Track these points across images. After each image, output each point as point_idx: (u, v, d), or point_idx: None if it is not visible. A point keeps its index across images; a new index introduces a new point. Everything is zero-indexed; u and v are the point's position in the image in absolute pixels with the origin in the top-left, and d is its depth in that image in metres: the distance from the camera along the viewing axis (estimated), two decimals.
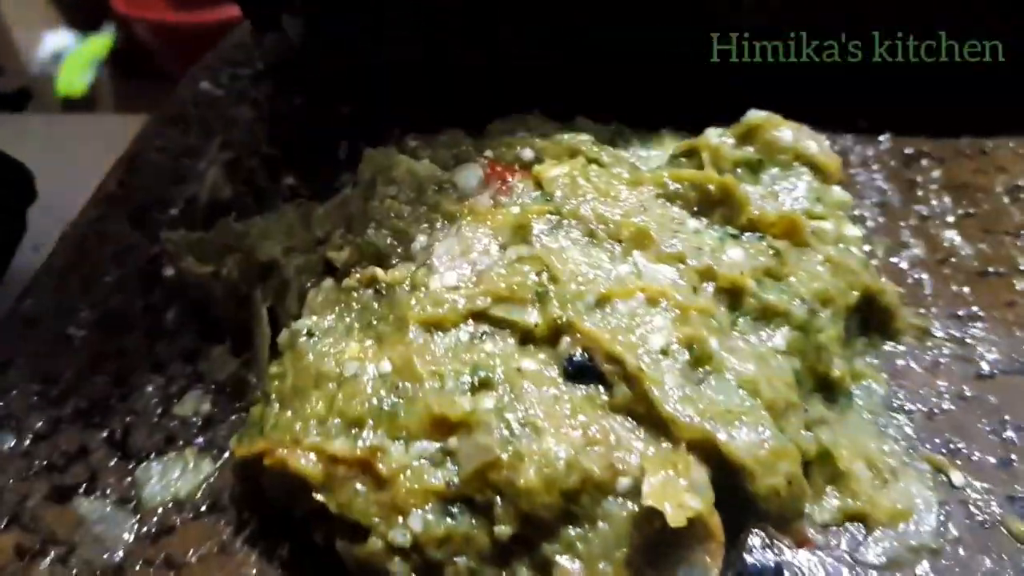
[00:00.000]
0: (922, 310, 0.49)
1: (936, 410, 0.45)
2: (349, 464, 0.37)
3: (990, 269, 0.52)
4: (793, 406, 0.40)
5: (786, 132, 0.48)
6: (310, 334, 0.40)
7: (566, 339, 0.39)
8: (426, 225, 0.44)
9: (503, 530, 0.35)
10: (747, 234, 0.44)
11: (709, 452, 0.36)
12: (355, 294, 0.42)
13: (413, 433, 0.37)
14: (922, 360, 0.47)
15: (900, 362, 0.47)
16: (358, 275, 0.42)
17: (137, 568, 0.41)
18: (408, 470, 0.36)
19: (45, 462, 0.44)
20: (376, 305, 0.41)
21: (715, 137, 0.47)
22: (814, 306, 0.42)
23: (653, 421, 0.37)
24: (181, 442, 0.45)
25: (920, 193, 0.56)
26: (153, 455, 0.44)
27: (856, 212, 0.55)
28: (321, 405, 0.39)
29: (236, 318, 0.45)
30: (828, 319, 0.43)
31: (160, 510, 0.43)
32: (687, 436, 0.36)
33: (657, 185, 0.45)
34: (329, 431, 0.38)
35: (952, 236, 0.53)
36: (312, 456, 0.37)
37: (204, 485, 0.43)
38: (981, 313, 0.49)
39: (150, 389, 0.46)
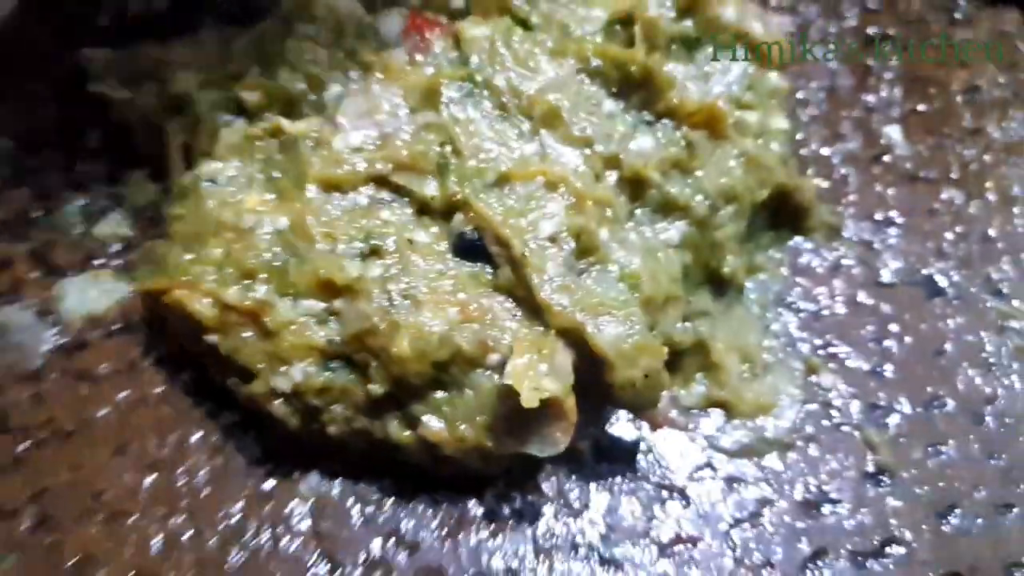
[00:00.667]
0: (839, 208, 0.50)
1: (824, 311, 0.46)
2: (240, 313, 0.39)
3: (921, 174, 0.51)
4: (674, 299, 0.41)
5: (729, 9, 0.46)
6: (212, 180, 0.41)
7: (459, 215, 0.39)
8: (340, 74, 0.43)
9: (375, 388, 0.38)
10: (663, 121, 0.43)
11: (576, 340, 0.38)
12: (260, 143, 0.42)
13: (301, 291, 0.39)
14: (825, 260, 0.48)
15: (803, 259, 0.48)
16: (264, 125, 0.42)
17: (52, 377, 0.44)
18: (293, 325, 0.38)
19: None
20: (279, 157, 0.41)
21: (654, 7, 0.45)
22: (717, 203, 0.43)
23: (530, 306, 0.38)
24: (99, 262, 0.47)
25: (871, 81, 0.55)
26: (72, 272, 0.46)
27: (800, 95, 0.54)
28: (219, 252, 0.40)
29: (153, 147, 0.45)
30: (729, 216, 0.43)
31: (78, 325, 0.45)
32: (557, 324, 0.38)
33: (580, 59, 0.43)
34: (225, 279, 0.39)
35: (892, 132, 0.53)
36: (207, 300, 0.39)
37: (118, 305, 0.46)
38: (898, 220, 0.49)
39: (71, 208, 0.47)
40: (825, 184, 0.50)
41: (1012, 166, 0.51)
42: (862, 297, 0.47)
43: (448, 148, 0.40)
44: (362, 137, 0.41)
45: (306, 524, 0.39)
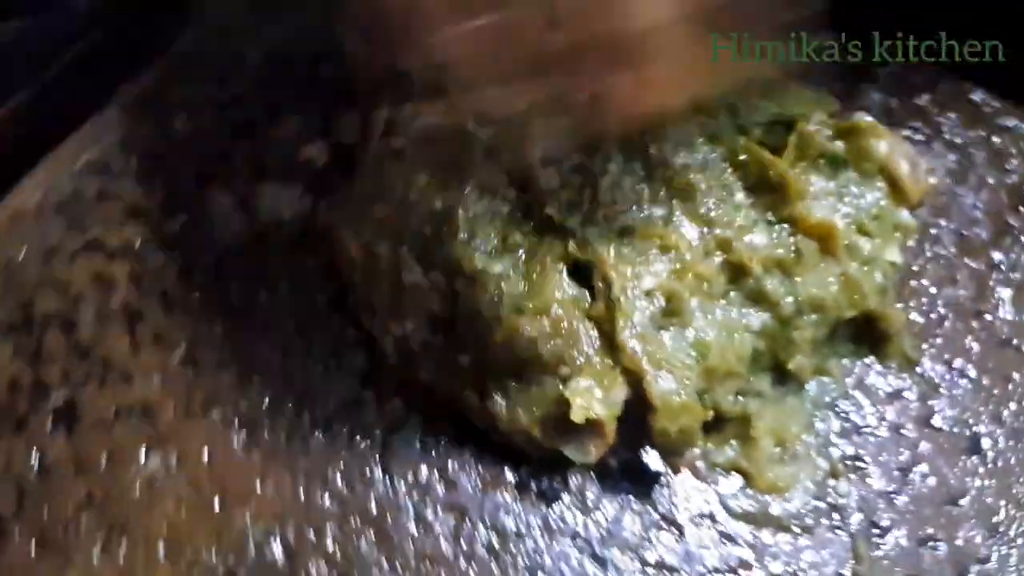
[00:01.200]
0: (923, 345, 0.54)
1: (867, 428, 0.51)
2: (380, 265, 0.49)
3: (1014, 342, 0.55)
4: (734, 375, 0.48)
5: (882, 144, 0.51)
6: (398, 152, 0.51)
7: (573, 242, 0.47)
8: None
9: (464, 359, 0.47)
10: (782, 225, 0.49)
11: (635, 382, 0.45)
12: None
13: (433, 265, 0.48)
14: (889, 385, 0.53)
15: (870, 377, 0.53)
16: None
17: (229, 259, 0.55)
18: (419, 290, 0.48)
19: None
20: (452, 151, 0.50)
21: (815, 122, 0.51)
22: (803, 308, 0.48)
23: (609, 341, 0.46)
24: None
25: (1007, 240, 0.58)
26: (274, 179, 0.57)
27: (933, 230, 0.57)
28: (383, 213, 0.50)
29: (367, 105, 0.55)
30: (812, 323, 0.49)
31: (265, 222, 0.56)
32: (624, 363, 0.45)
33: (731, 149, 0.50)
34: (379, 236, 0.49)
35: (1004, 294, 0.56)
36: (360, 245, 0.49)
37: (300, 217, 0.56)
38: (972, 374, 0.53)
39: (289, 125, 0.58)
40: (920, 320, 0.54)
41: None
42: (907, 430, 0.51)
43: (588, 190, 0.48)
44: None
45: (377, 434, 0.50)
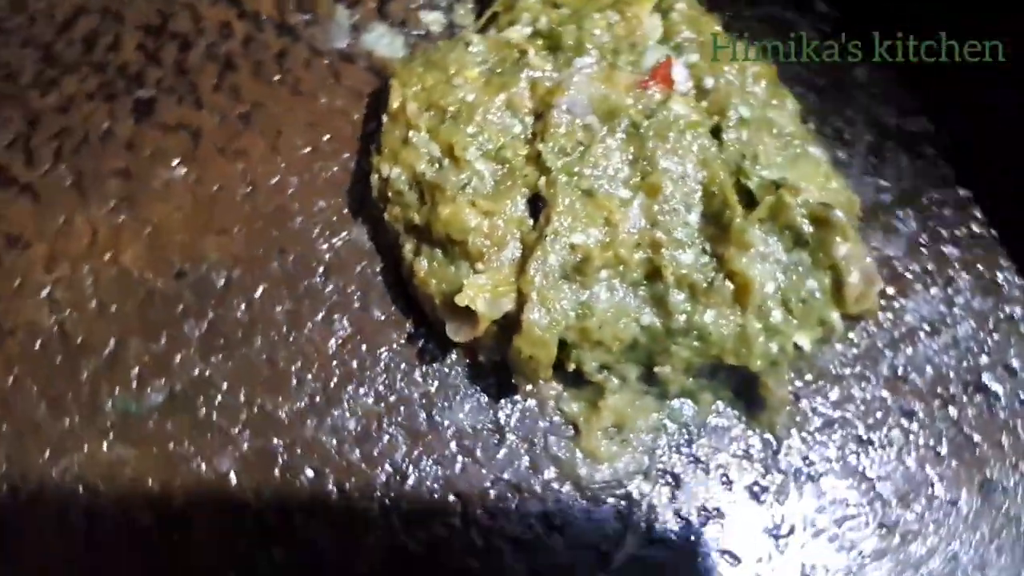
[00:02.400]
0: (794, 436, 0.59)
1: (696, 462, 0.57)
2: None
3: (877, 487, 0.58)
4: (603, 347, 0.55)
5: (843, 247, 0.55)
6: (467, 44, 0.60)
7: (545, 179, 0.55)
8: (588, 45, 0.59)
9: (416, 216, 0.56)
10: (713, 258, 0.55)
11: (521, 306, 0.53)
12: (501, 53, 0.60)
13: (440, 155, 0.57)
14: (742, 445, 0.58)
15: (732, 430, 0.58)
16: (513, 36, 0.59)
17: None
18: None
19: None
20: (505, 65, 0.59)
21: (800, 198, 0.55)
22: (690, 330, 0.54)
23: (523, 264, 0.54)
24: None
25: (933, 407, 0.61)
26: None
27: (874, 350, 0.61)
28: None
29: None
30: (691, 346, 0.55)
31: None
32: (520, 284, 0.53)
33: (711, 175, 0.55)
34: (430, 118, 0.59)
35: (896, 441, 0.59)
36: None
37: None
38: (820, 483, 0.58)
39: None
40: (809, 414, 0.59)
41: None
42: (726, 485, 0.57)
43: (581, 148, 0.55)
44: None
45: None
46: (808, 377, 0.60)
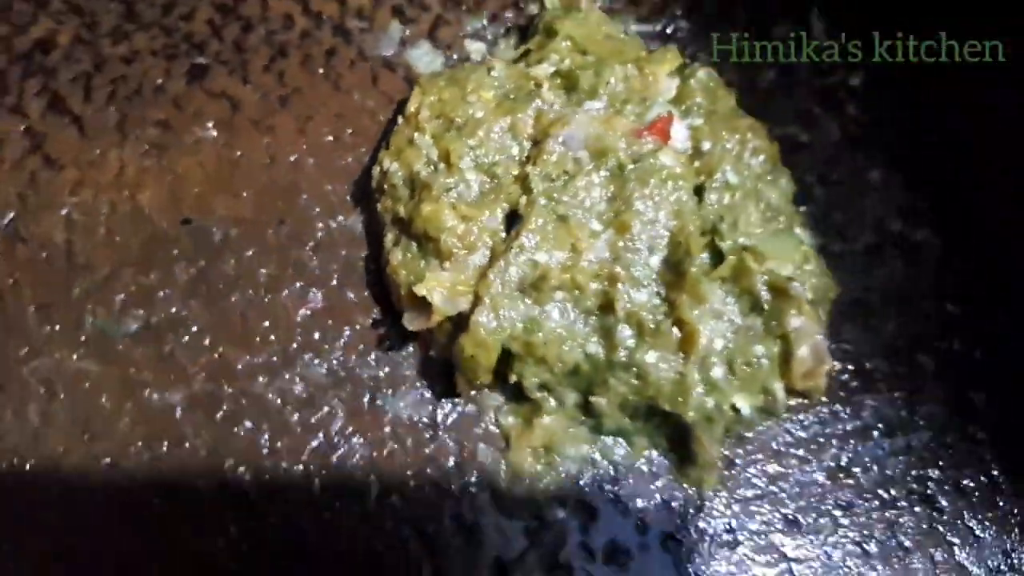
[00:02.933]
0: (720, 499, 0.59)
1: (615, 501, 0.58)
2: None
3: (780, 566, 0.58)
4: (543, 366, 0.57)
5: (796, 320, 0.56)
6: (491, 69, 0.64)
7: (525, 198, 0.58)
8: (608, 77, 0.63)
9: (401, 209, 0.60)
10: (666, 301, 0.56)
11: (474, 307, 0.56)
12: (521, 83, 0.63)
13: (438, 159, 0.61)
14: (663, 494, 0.59)
15: (658, 479, 0.59)
16: (537, 72, 0.63)
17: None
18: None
19: None
20: (515, 95, 0.63)
21: (763, 267, 0.57)
22: (630, 367, 0.56)
23: (484, 270, 0.57)
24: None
25: (851, 514, 0.60)
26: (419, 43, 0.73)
27: (809, 433, 0.61)
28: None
29: None
30: (628, 384, 0.56)
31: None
32: (477, 288, 0.56)
33: (680, 225, 0.58)
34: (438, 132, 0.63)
35: (809, 533, 0.59)
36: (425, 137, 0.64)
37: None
38: (736, 551, 0.58)
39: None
40: (743, 485, 0.59)
41: None
42: (636, 533, 0.58)
43: (566, 176, 0.58)
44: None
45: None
46: (749, 447, 0.60)
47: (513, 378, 0.57)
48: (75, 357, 0.60)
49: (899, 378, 0.64)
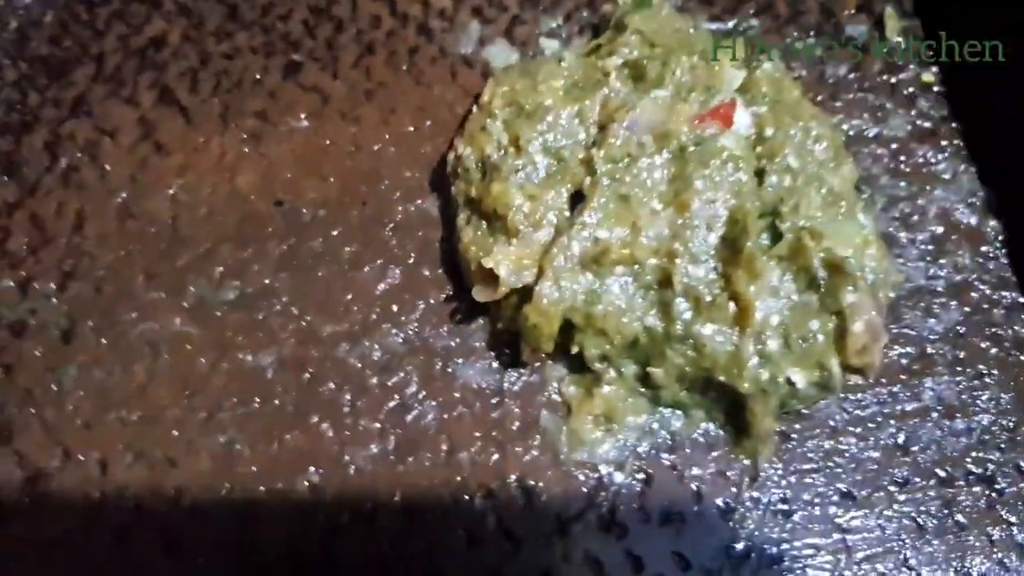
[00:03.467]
0: (774, 469, 0.61)
1: (671, 469, 0.61)
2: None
3: (831, 529, 0.59)
4: (604, 337, 0.60)
5: (851, 296, 0.58)
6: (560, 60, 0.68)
7: (589, 179, 0.62)
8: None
9: (473, 191, 0.64)
10: (723, 277, 0.59)
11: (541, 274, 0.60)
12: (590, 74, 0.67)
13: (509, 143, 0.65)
14: (722, 464, 0.61)
15: (715, 449, 0.61)
16: (608, 63, 0.67)
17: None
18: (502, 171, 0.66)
19: None
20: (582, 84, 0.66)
21: (820, 245, 0.59)
22: (686, 338, 0.59)
23: (549, 245, 0.61)
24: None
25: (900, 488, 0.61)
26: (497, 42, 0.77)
27: (870, 418, 0.62)
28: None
29: None
30: (685, 356, 0.59)
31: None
32: (541, 261, 0.60)
33: (740, 206, 0.60)
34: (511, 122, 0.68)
35: (854, 504, 0.60)
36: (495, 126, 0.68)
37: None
38: (785, 507, 0.59)
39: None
40: (790, 452, 0.61)
41: None
42: (694, 493, 0.60)
43: (628, 158, 0.61)
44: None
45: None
46: (806, 423, 0.62)
47: (575, 349, 0.60)
48: (178, 322, 0.65)
49: (960, 363, 0.64)
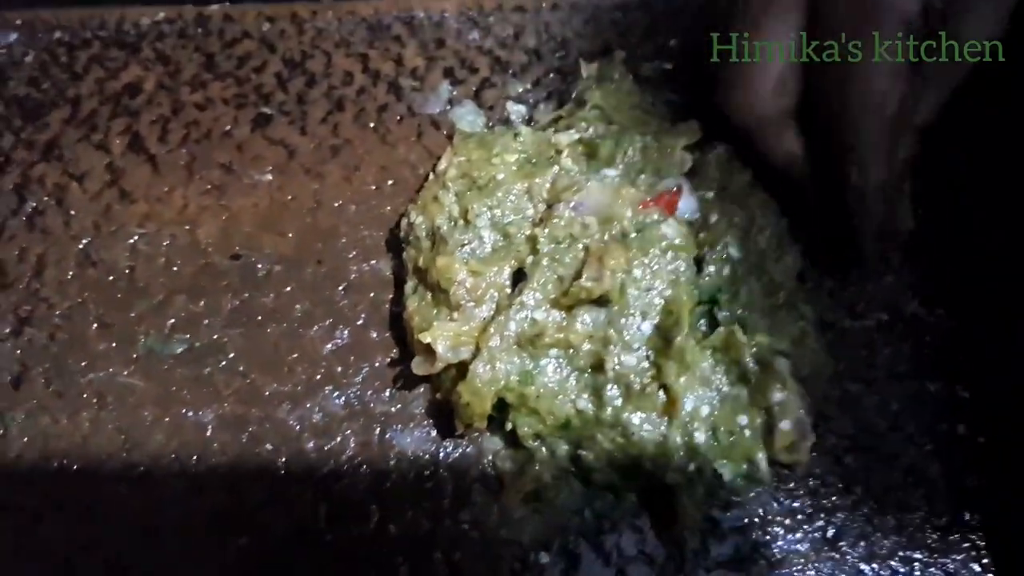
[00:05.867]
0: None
1: (585, 559, 0.61)
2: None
3: None
4: (536, 416, 0.60)
5: (779, 394, 0.58)
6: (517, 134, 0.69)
7: (531, 259, 0.63)
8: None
9: (422, 260, 0.65)
10: (655, 364, 0.59)
11: (476, 352, 0.61)
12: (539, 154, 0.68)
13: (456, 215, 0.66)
14: (637, 550, 0.61)
15: (639, 541, 0.62)
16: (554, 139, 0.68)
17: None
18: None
19: None
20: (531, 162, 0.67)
21: (755, 339, 0.59)
22: (615, 424, 0.59)
23: (487, 323, 0.61)
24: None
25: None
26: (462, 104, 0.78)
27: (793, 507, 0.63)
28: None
29: None
30: (614, 441, 0.59)
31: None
32: (478, 339, 0.60)
33: (682, 292, 0.61)
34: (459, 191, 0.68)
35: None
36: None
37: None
38: None
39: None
40: None
41: None
42: None
43: (569, 246, 0.62)
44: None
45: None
46: (735, 512, 0.62)
47: (509, 426, 0.61)
48: (125, 372, 0.67)
49: (897, 456, 0.64)
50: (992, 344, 0.67)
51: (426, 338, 0.60)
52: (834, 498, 0.63)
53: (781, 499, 0.63)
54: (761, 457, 0.59)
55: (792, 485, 0.63)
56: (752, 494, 0.62)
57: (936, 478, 0.64)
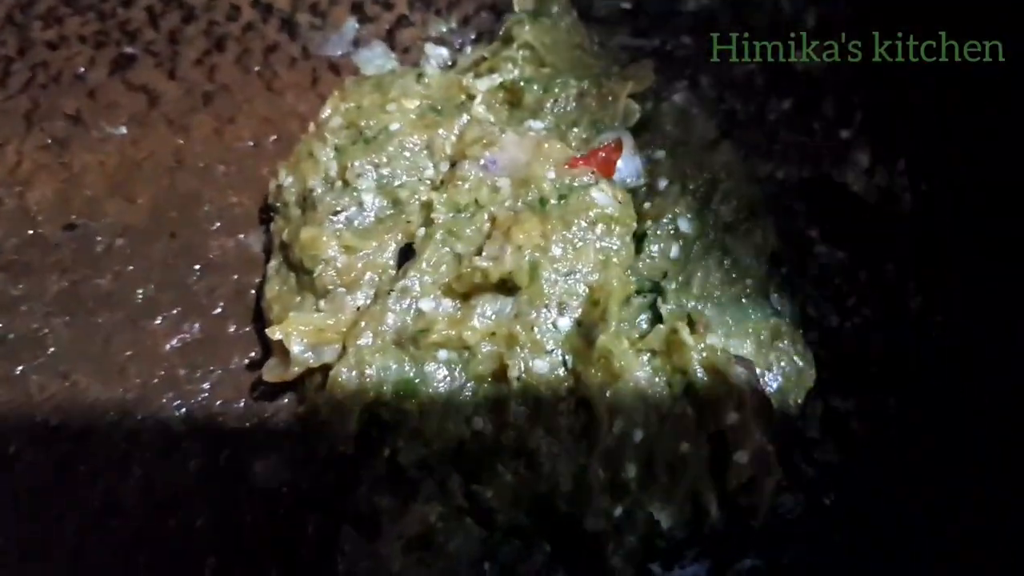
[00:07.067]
0: None
1: None
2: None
3: None
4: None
5: (733, 416, 0.43)
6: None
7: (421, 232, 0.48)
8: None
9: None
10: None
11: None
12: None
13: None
14: None
15: None
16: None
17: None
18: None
19: None
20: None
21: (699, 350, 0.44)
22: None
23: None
24: None
25: None
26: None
27: None
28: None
29: None
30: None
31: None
32: (345, 339, 0.46)
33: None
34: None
35: None
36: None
37: None
38: None
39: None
40: None
41: None
42: None
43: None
44: None
45: None
46: (675, 571, 0.48)
47: (386, 451, 0.46)
48: None
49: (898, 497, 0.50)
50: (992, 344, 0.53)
51: (275, 333, 0.46)
52: (810, 555, 0.48)
53: (736, 555, 0.48)
54: (711, 498, 0.44)
55: (752, 537, 0.48)
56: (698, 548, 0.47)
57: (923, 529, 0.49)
